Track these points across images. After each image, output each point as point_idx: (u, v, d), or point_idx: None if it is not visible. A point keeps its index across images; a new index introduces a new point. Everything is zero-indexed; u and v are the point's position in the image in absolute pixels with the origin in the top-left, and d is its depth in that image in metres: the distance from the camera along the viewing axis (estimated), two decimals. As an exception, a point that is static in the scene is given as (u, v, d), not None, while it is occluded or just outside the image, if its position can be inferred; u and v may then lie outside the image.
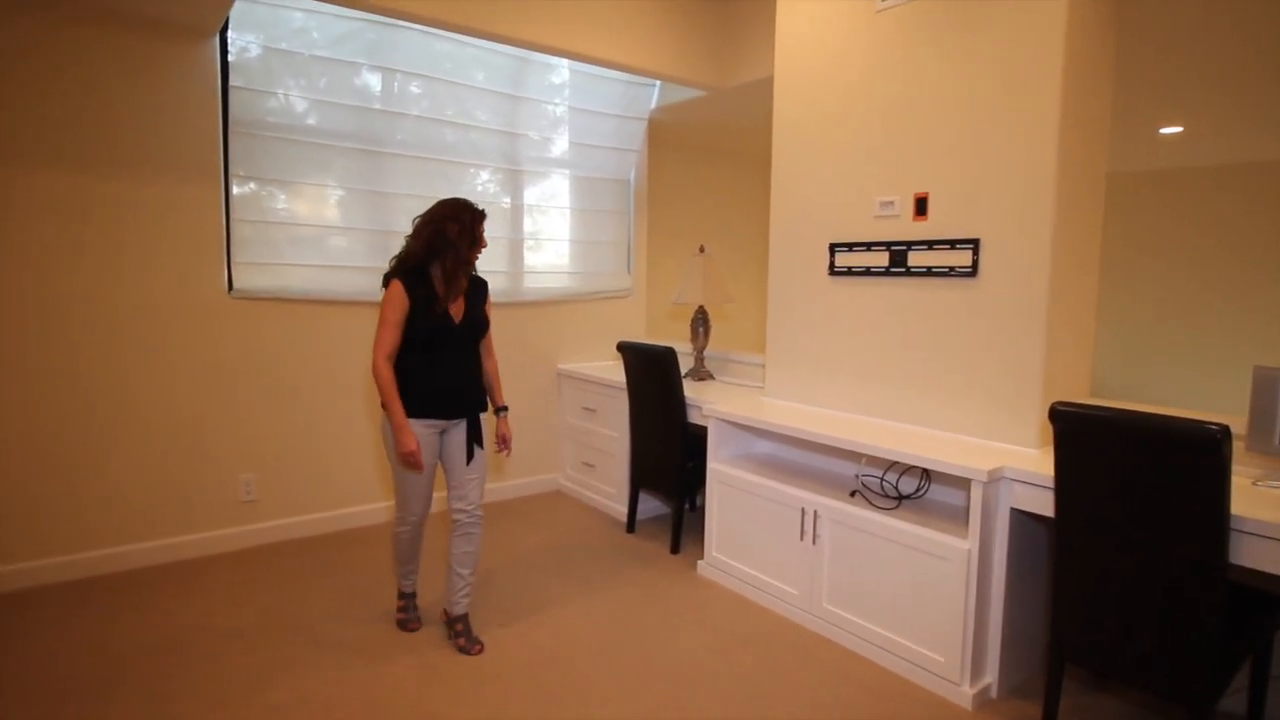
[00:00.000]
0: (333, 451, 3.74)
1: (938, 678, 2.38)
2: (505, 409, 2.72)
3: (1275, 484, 2.11)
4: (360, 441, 3.82)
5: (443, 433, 2.56)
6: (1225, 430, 1.75)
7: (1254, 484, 2.13)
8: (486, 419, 2.66)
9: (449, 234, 2.43)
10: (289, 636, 2.67)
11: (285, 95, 3.46)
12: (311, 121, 3.55)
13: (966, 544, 2.30)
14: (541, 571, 3.30)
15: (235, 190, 3.39)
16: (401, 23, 3.52)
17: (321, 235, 3.65)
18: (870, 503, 2.67)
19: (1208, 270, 6.09)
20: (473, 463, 2.58)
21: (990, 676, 2.38)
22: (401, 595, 2.79)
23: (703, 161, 5.62)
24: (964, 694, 2.32)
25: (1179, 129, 4.83)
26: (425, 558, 3.29)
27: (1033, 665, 2.53)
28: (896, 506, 2.64)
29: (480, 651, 2.58)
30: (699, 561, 3.32)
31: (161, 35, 3.12)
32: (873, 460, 2.87)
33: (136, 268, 3.17)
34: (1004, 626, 2.35)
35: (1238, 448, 2.20)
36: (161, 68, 3.14)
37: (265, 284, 3.48)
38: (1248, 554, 1.85)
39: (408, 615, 2.75)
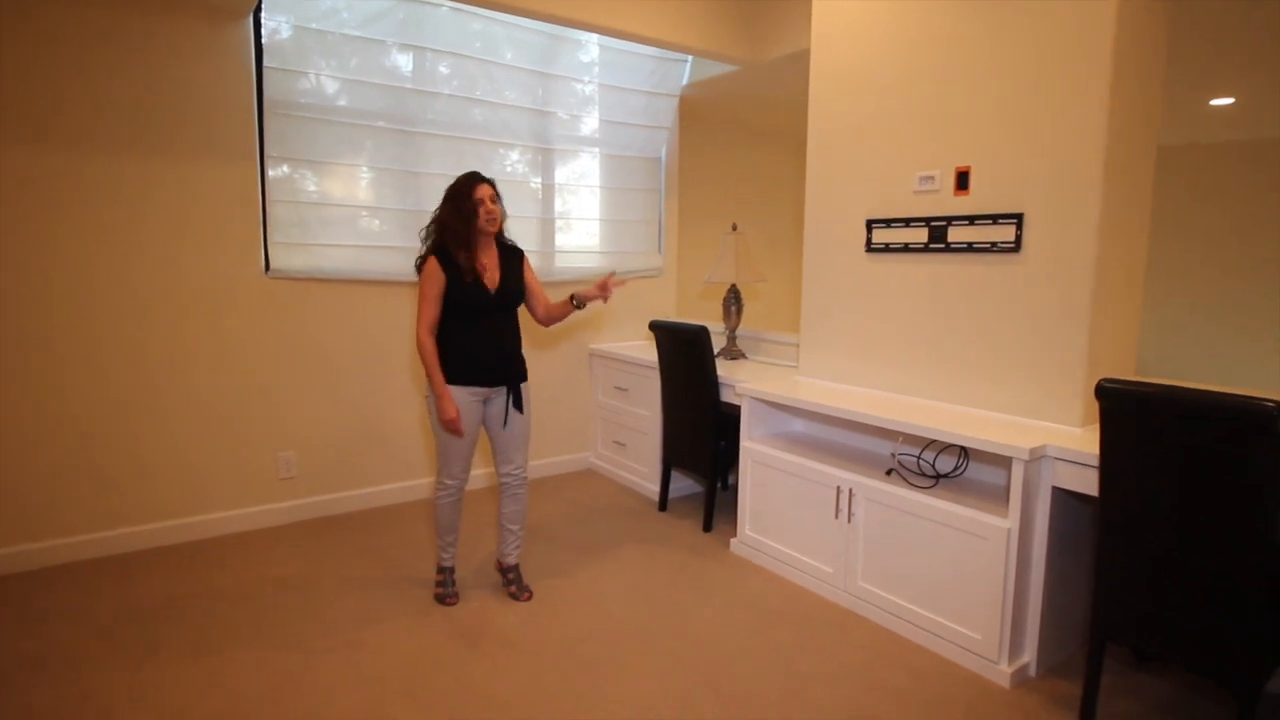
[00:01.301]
0: (371, 430, 3.80)
1: (975, 655, 2.37)
2: (577, 300, 2.74)
3: (1330, 463, 2.05)
4: (398, 420, 3.87)
5: (486, 401, 2.68)
6: (1279, 406, 1.70)
7: (1308, 463, 2.07)
8: (527, 386, 2.77)
9: (444, 218, 2.58)
10: (328, 604, 2.74)
11: (317, 76, 3.47)
12: (343, 102, 3.56)
13: (1007, 522, 2.27)
14: (575, 548, 3.33)
15: (270, 171, 3.42)
16: (431, 0, 3.51)
17: (355, 215, 3.68)
18: (907, 481, 2.65)
19: (1247, 248, 5.92)
20: (512, 427, 2.70)
21: (1029, 655, 2.36)
22: (440, 569, 2.84)
23: (735, 139, 5.56)
24: (1002, 672, 2.31)
25: (1230, 100, 4.67)
26: (466, 534, 3.35)
27: (1072, 645, 2.50)
28: (934, 485, 2.62)
29: (529, 599, 2.80)
30: (732, 540, 3.33)
31: (195, 16, 3.15)
32: (910, 439, 2.84)
33: (174, 248, 3.22)
34: (1043, 605, 2.32)
35: None
36: (197, 49, 3.17)
37: (301, 264, 3.52)
38: (1302, 534, 1.80)
39: (445, 589, 2.80)
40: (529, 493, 2.81)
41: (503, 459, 2.75)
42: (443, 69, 3.82)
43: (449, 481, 2.71)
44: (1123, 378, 2.01)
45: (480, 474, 4.16)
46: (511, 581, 2.84)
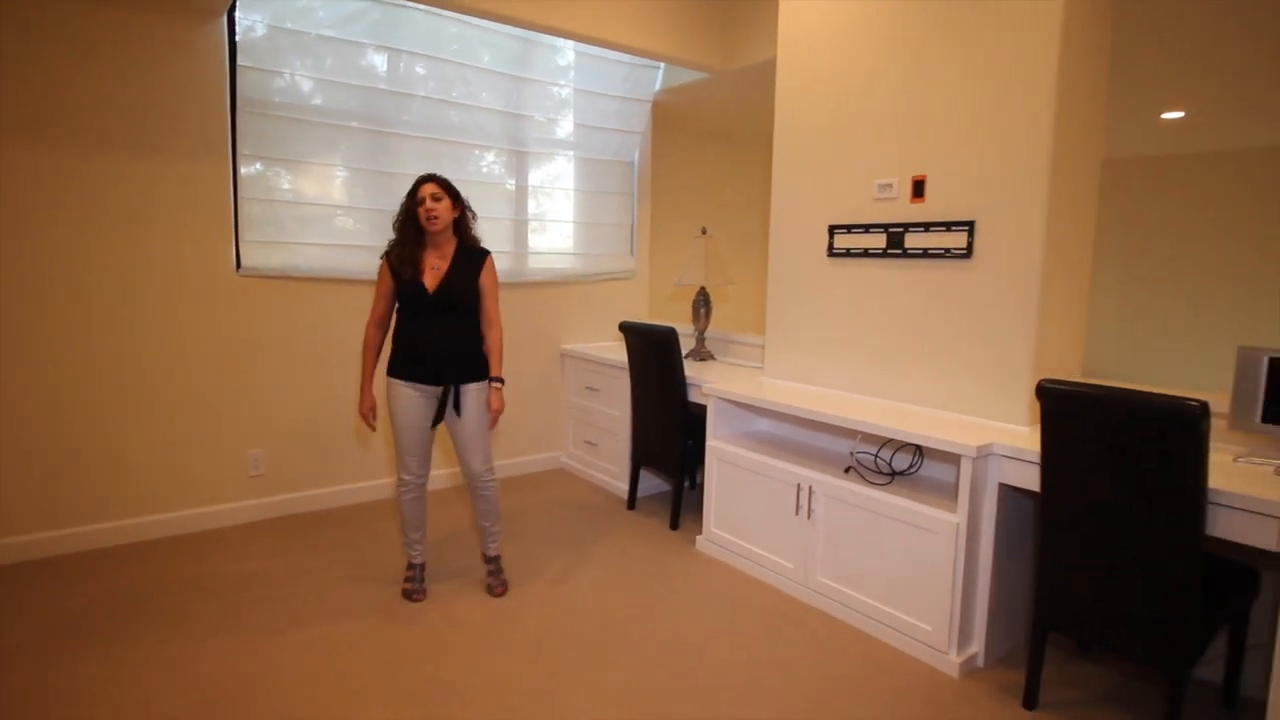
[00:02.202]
0: (341, 428, 3.82)
1: (926, 647, 2.46)
2: (497, 380, 2.73)
3: (1257, 460, 2.17)
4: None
5: (439, 399, 2.70)
6: (1204, 406, 1.81)
7: (1235, 460, 2.19)
8: (479, 388, 2.74)
9: (395, 222, 2.70)
10: (297, 600, 2.76)
11: (292, 75, 3.50)
12: (318, 101, 3.59)
13: (955, 518, 2.37)
14: (544, 545, 3.38)
15: (243, 169, 3.44)
16: (407, 3, 3.55)
17: (328, 214, 3.71)
18: (864, 479, 2.74)
19: (1206, 253, 6.13)
20: (463, 429, 2.71)
21: (977, 646, 2.45)
22: (410, 565, 2.87)
23: (706, 144, 5.65)
24: (951, 662, 2.40)
25: (1180, 114, 4.85)
26: (445, 531, 3.38)
27: (1019, 636, 2.61)
28: (889, 482, 2.71)
29: (502, 593, 2.86)
30: (698, 537, 3.40)
31: (169, 13, 3.16)
32: (867, 438, 2.93)
33: (146, 245, 3.22)
34: (991, 598, 2.42)
35: (1220, 425, 2.27)
36: (169, 46, 3.18)
37: (273, 262, 3.54)
38: (1224, 527, 1.91)
39: (413, 585, 2.83)
40: (499, 490, 2.82)
41: (461, 460, 2.77)
42: (418, 70, 3.86)
43: (405, 477, 2.75)
44: (1063, 379, 2.11)
45: (447, 473, 4.19)
46: (491, 573, 2.89)
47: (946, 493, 2.61)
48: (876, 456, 2.92)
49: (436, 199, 2.60)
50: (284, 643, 2.48)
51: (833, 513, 2.75)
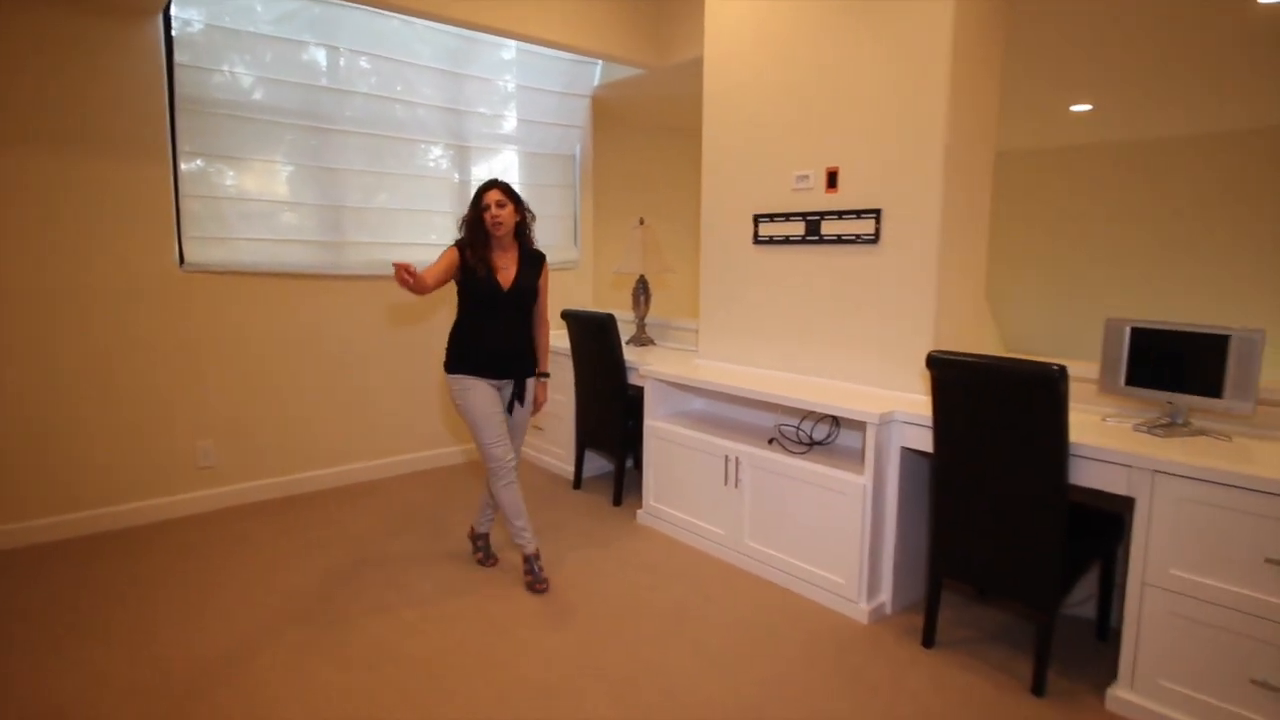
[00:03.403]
0: (290, 418, 3.91)
1: (839, 598, 2.70)
2: (546, 375, 2.98)
3: (1122, 420, 2.45)
4: (318, 407, 3.99)
5: (499, 391, 2.84)
6: (1062, 370, 2.06)
7: (1104, 420, 2.47)
8: (533, 381, 2.94)
9: (462, 225, 2.79)
10: (247, 585, 2.87)
11: (231, 72, 3.57)
12: (258, 98, 3.66)
13: (863, 480, 2.60)
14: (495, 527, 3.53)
15: (183, 166, 3.49)
16: (345, 1, 3.63)
17: (271, 210, 3.78)
18: (785, 449, 2.97)
19: (1114, 238, 6.55)
20: (515, 419, 2.88)
21: (885, 595, 2.70)
22: (525, 558, 2.90)
23: (645, 138, 5.82)
24: (861, 610, 2.64)
25: (1089, 107, 5.19)
26: (428, 512, 3.50)
27: (923, 586, 2.85)
28: (807, 451, 2.94)
29: (495, 564, 3.07)
30: (638, 511, 3.60)
31: (103, 14, 3.20)
32: (788, 411, 3.16)
33: (85, 243, 3.27)
34: (896, 551, 2.67)
35: (1092, 389, 2.55)
36: (104, 44, 3.22)
37: (217, 258, 3.61)
38: (1085, 476, 2.17)
39: (534, 576, 2.86)
40: (517, 479, 2.91)
41: None
42: (360, 66, 3.95)
43: (493, 465, 2.78)
44: (950, 350, 2.35)
45: (453, 451, 4.32)
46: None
47: (858, 459, 2.85)
48: (798, 429, 3.14)
49: (501, 205, 2.71)
50: (239, 626, 2.60)
51: (758, 481, 2.97)
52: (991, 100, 2.94)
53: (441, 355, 2.85)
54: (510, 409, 2.87)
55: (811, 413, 3.07)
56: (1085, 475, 2.17)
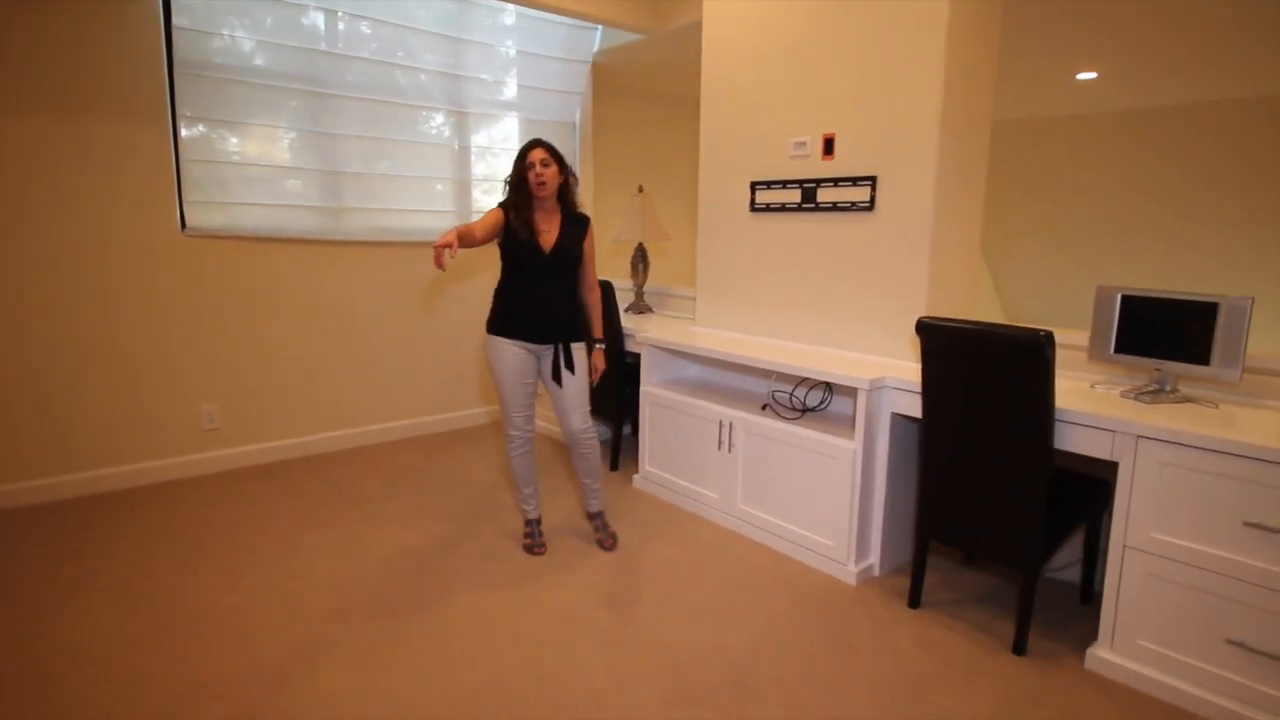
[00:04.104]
0: (293, 381, 3.96)
1: (829, 560, 2.75)
2: (600, 341, 2.90)
3: (1110, 387, 2.47)
4: (323, 371, 4.04)
5: (539, 357, 2.79)
6: (1049, 335, 2.08)
7: (1092, 387, 2.49)
8: (580, 347, 2.83)
9: (510, 180, 2.71)
10: (252, 540, 2.95)
11: (230, 36, 3.55)
12: (258, 62, 3.65)
13: (853, 444, 2.64)
14: (490, 491, 3.60)
15: (184, 131, 3.50)
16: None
17: (272, 175, 3.79)
18: (778, 414, 3.00)
19: (1102, 206, 6.50)
20: (566, 388, 2.78)
21: (873, 558, 2.75)
22: (526, 522, 2.96)
23: (645, 105, 5.78)
24: (850, 572, 2.69)
25: (1094, 75, 5.12)
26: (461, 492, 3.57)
27: (911, 549, 2.91)
28: (800, 417, 2.97)
29: (612, 546, 2.94)
30: (634, 476, 3.65)
31: (102, -25, 3.19)
32: (782, 377, 3.19)
33: (90, 208, 3.29)
34: (885, 515, 2.71)
35: (1082, 357, 2.56)
36: (101, 7, 3.21)
37: (218, 222, 3.63)
38: (1070, 441, 2.20)
39: (533, 540, 2.91)
40: (598, 447, 2.93)
41: (562, 418, 2.83)
42: (361, 30, 3.92)
43: (511, 432, 2.80)
44: (938, 316, 2.36)
45: (458, 415, 4.37)
46: (597, 529, 2.98)
47: (850, 425, 2.88)
48: (791, 395, 3.17)
49: (545, 165, 2.63)
50: (240, 576, 2.68)
51: (751, 446, 3.01)
52: (989, 66, 2.92)
53: (447, 318, 2.86)
54: (558, 378, 2.78)
55: (805, 379, 3.10)
56: (1070, 440, 2.20)
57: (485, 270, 4.59)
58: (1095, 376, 2.59)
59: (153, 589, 2.57)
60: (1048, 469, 2.18)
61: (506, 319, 2.73)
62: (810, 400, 3.13)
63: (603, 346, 2.92)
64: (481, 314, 4.60)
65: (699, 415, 3.22)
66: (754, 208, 3.38)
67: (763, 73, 3.28)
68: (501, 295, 2.77)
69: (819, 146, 3.08)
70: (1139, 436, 2.05)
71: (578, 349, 2.81)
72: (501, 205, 2.70)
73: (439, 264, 2.32)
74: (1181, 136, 6.04)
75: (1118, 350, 2.43)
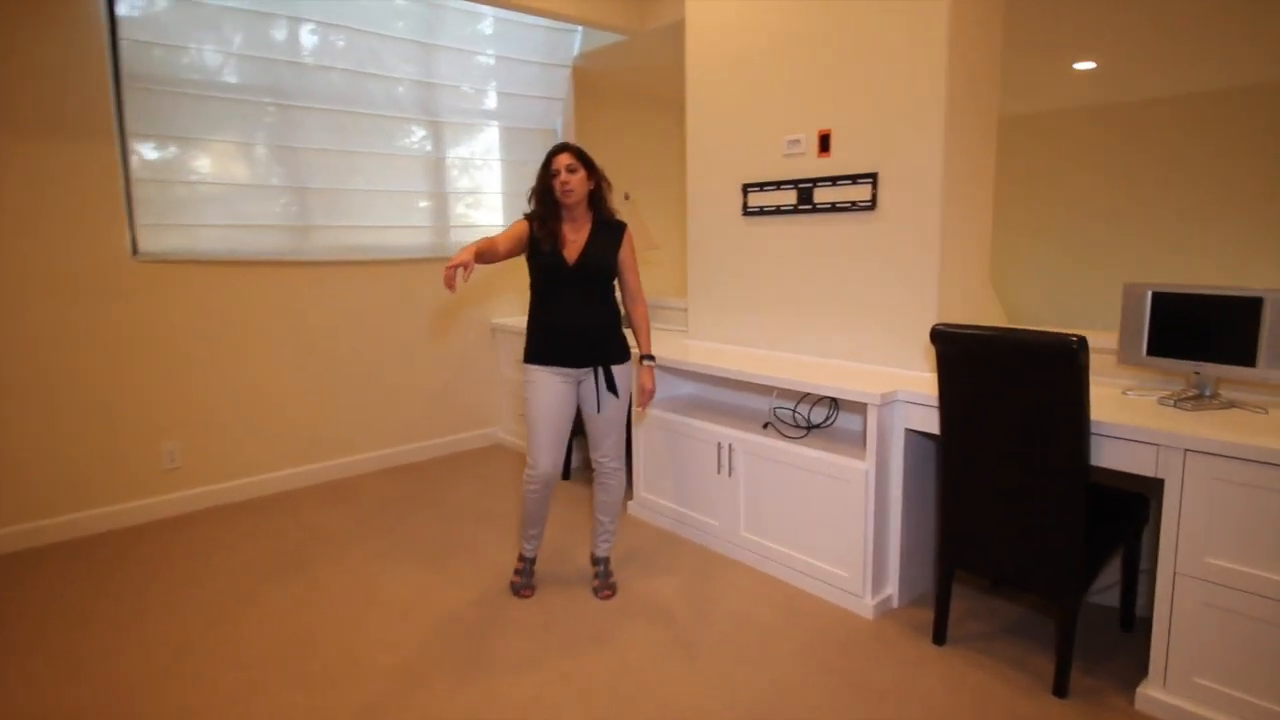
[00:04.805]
0: (262, 413, 3.71)
1: (843, 592, 2.52)
2: (650, 358, 2.61)
3: (1144, 393, 2.25)
4: (291, 403, 3.79)
5: (580, 383, 2.53)
6: (1082, 341, 1.86)
7: (1124, 393, 2.27)
8: (623, 368, 2.56)
9: (534, 187, 2.48)
10: (209, 591, 2.69)
11: (183, 47, 3.32)
12: (216, 74, 3.43)
13: (865, 465, 2.41)
14: (476, 523, 3.35)
15: (134, 149, 3.27)
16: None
17: (232, 194, 3.56)
18: (780, 433, 2.77)
19: (1121, 204, 6.32)
20: (604, 411, 2.52)
21: (891, 588, 2.52)
22: (520, 558, 2.70)
23: (628, 109, 5.58)
24: (866, 605, 2.46)
25: (1092, 64, 4.95)
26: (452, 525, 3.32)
27: (932, 577, 2.68)
28: (805, 435, 2.74)
29: (609, 598, 2.62)
30: (629, 502, 3.41)
31: (39, -15, 2.97)
32: (784, 393, 2.96)
33: (27, 232, 3.05)
34: (902, 541, 2.48)
35: (1111, 361, 2.35)
36: (41, 20, 2.99)
37: (173, 246, 3.39)
38: (1109, 456, 1.98)
39: (522, 580, 2.67)
40: (624, 482, 2.66)
41: (593, 444, 2.58)
42: (328, 38, 3.71)
43: (532, 472, 2.49)
44: (956, 323, 2.15)
45: (436, 443, 4.12)
46: (596, 575, 2.68)
47: (859, 442, 2.66)
48: (794, 411, 2.95)
49: (572, 170, 2.39)
50: (195, 638, 2.42)
51: (753, 468, 2.78)
52: (993, 50, 2.72)
53: (429, 338, 2.62)
54: (598, 403, 2.50)
55: (807, 395, 2.87)
56: (1108, 456, 1.98)
57: (472, 287, 4.36)
58: (1125, 381, 2.37)
59: (95, 653, 2.31)
60: (1084, 488, 1.96)
61: (539, 344, 2.48)
62: (815, 416, 2.90)
63: (653, 364, 2.62)
64: (465, 332, 4.37)
65: (695, 436, 2.99)
66: (746, 212, 3.16)
67: (751, 68, 3.08)
68: (533, 317, 2.51)
69: (814, 143, 2.88)
70: (1187, 450, 1.83)
71: (619, 371, 2.53)
72: (526, 216, 2.48)
73: (449, 285, 2.11)
74: (1174, 130, 5.88)
75: (1151, 352, 2.21)
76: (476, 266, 2.22)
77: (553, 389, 2.47)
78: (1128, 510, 2.21)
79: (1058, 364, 1.90)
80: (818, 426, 2.85)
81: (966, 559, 2.23)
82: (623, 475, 2.64)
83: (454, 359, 4.38)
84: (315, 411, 3.89)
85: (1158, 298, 2.19)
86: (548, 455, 2.48)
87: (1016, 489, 2.06)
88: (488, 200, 4.50)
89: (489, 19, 4.21)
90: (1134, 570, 2.33)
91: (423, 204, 4.19)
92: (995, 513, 2.12)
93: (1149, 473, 1.91)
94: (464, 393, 4.45)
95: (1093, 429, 1.97)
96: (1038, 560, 2.06)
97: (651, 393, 2.62)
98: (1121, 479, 2.29)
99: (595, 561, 2.72)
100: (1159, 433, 1.87)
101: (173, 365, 3.44)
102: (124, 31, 3.18)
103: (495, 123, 4.43)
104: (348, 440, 4.02)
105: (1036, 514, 2.03)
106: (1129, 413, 2.03)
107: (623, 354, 2.55)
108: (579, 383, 2.53)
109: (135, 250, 3.30)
